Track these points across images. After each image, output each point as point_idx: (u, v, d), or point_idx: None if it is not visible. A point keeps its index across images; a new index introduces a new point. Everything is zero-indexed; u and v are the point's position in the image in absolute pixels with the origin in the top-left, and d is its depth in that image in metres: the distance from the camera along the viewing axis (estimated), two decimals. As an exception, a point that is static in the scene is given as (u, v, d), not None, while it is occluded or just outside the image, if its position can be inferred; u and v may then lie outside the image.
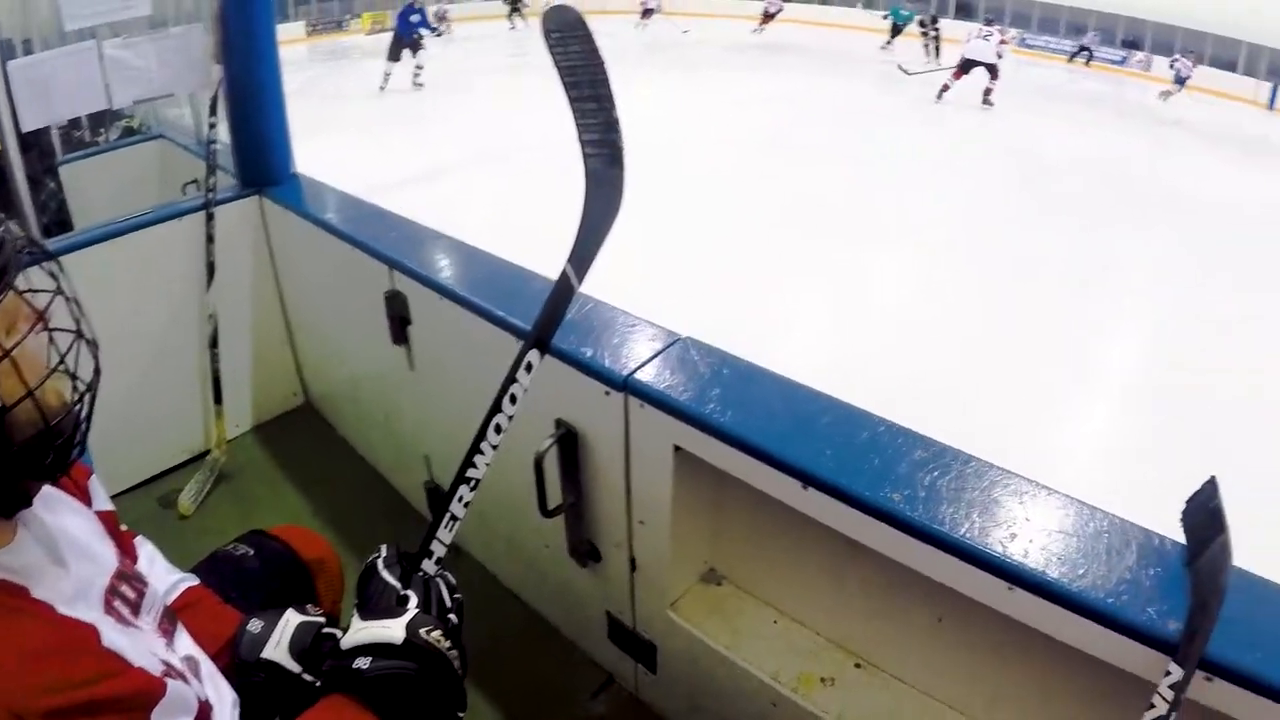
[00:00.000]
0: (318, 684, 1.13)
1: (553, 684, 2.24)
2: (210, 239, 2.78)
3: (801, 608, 1.80)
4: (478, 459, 1.16)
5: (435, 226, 2.44)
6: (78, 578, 0.98)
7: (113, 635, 0.95)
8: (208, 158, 2.81)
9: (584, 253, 1.19)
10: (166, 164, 3.61)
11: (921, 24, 21.61)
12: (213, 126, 2.82)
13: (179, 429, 2.98)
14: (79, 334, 0.90)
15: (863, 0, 28.34)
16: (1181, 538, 1.22)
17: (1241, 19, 22.25)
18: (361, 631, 1.05)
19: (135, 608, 1.08)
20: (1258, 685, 1.02)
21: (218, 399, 2.94)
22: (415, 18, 15.41)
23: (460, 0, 25.91)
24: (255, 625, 1.23)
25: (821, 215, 8.62)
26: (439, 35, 16.01)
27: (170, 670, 1.01)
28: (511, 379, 1.17)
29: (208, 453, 2.98)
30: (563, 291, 1.18)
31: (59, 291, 0.90)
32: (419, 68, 15.60)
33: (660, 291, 5.45)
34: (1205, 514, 1.17)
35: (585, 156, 1.17)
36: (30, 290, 0.88)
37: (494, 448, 1.16)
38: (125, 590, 1.07)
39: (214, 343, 2.88)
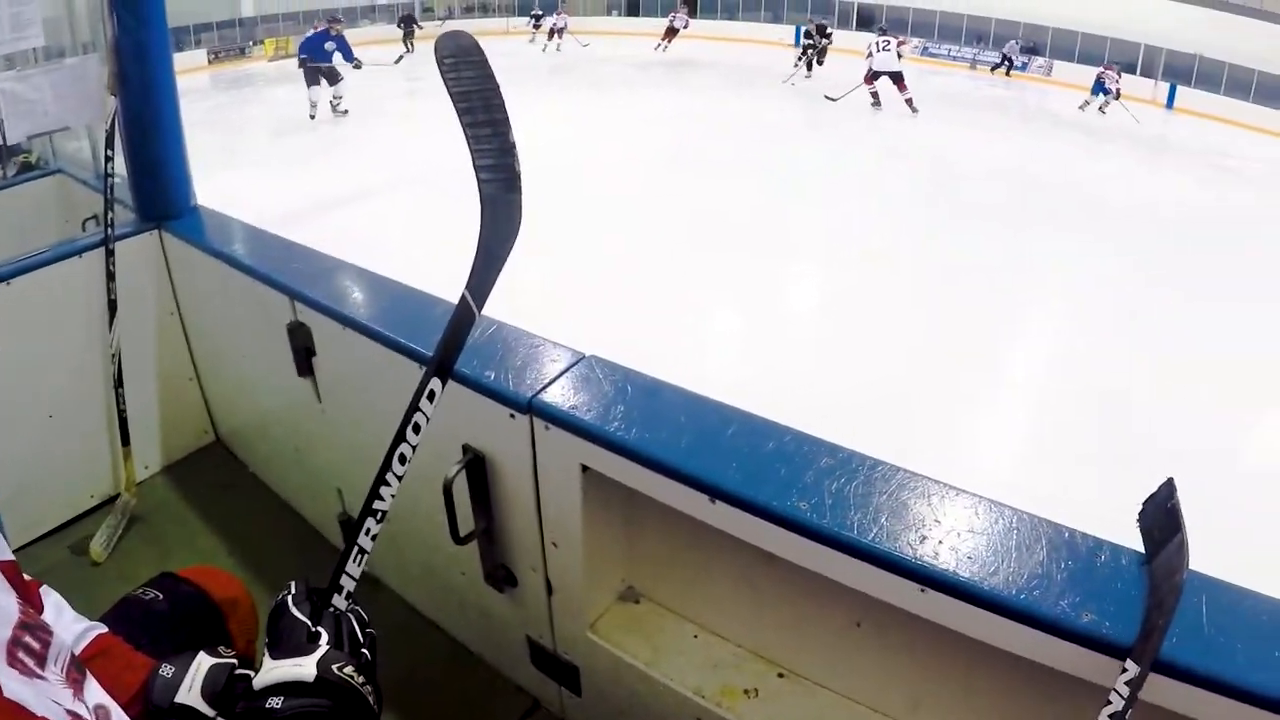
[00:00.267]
0: None
1: (477, 712, 2.17)
2: (111, 276, 2.65)
3: (721, 620, 1.76)
4: (384, 490, 1.13)
5: (357, 252, 2.37)
6: None
7: (15, 687, 0.87)
8: (105, 192, 2.68)
9: (483, 278, 1.17)
10: (66, 199, 3.47)
11: (808, 34, 20.50)
12: (109, 159, 2.69)
13: (87, 473, 2.84)
14: None
15: (768, 15, 28.66)
16: (1099, 531, 1.22)
17: (1138, 22, 22.92)
18: (273, 671, 1.01)
19: (40, 659, 0.98)
20: (1209, 682, 1.00)
21: (125, 440, 2.81)
22: (330, 45, 14.33)
23: (352, 26, 25.87)
24: (167, 670, 1.16)
25: (730, 231, 8.61)
26: (358, 68, 14.76)
27: None
28: (414, 408, 1.15)
29: (118, 496, 2.84)
30: (462, 318, 1.16)
31: None
32: (338, 97, 14.73)
33: (568, 312, 5.42)
34: (1162, 514, 1.15)
35: (481, 182, 1.13)
36: None
37: (399, 478, 1.14)
38: (29, 641, 0.98)
39: (119, 382, 2.74)
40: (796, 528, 1.27)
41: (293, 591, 1.10)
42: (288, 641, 1.04)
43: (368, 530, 1.13)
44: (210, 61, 22.27)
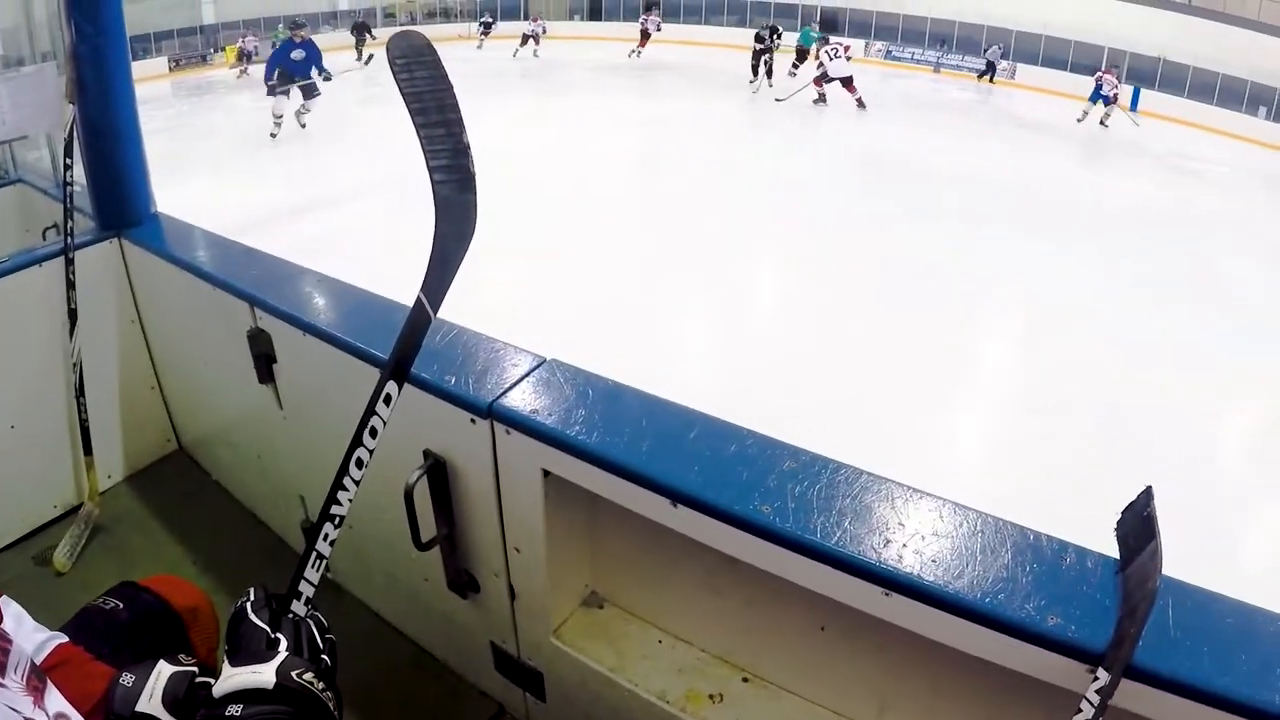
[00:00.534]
0: None
1: (441, 718, 2.12)
2: (71, 284, 2.58)
3: (685, 625, 1.72)
4: (341, 495, 1.11)
5: (319, 258, 2.32)
6: None
7: None
8: (65, 201, 2.61)
9: (438, 281, 1.14)
10: (26, 209, 3.37)
11: (759, 38, 19.52)
12: (69, 168, 2.62)
13: (50, 483, 2.76)
14: None
15: (733, 19, 28.77)
16: (1063, 533, 1.19)
17: (1102, 25, 23.18)
18: (232, 678, 0.99)
19: (0, 667, 0.98)
20: (1176, 686, 0.98)
21: (88, 450, 2.73)
22: (299, 54, 12.73)
23: (314, 33, 25.86)
24: (127, 679, 1.14)
25: (693, 234, 8.58)
26: (327, 79, 13.08)
27: None
28: (371, 412, 1.12)
29: (81, 505, 2.76)
30: (418, 320, 1.14)
31: None
32: (305, 109, 13.32)
33: (531, 316, 5.39)
34: (1138, 522, 1.13)
35: (435, 184, 1.11)
36: None
37: (357, 483, 1.11)
38: None
39: (80, 391, 2.67)
40: (759, 531, 1.23)
41: (252, 598, 1.08)
42: (247, 649, 1.02)
43: (326, 536, 1.11)
44: (171, 69, 22.11)
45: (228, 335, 2.24)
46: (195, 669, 1.16)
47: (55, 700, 1.06)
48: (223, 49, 23.37)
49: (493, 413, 1.54)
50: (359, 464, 1.11)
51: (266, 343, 2.12)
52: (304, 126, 13.53)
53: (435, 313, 1.14)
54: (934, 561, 1.14)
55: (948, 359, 6.08)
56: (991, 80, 23.68)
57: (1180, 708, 0.98)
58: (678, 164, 11.73)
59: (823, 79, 16.81)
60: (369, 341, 1.78)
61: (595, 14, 30.82)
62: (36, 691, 1.03)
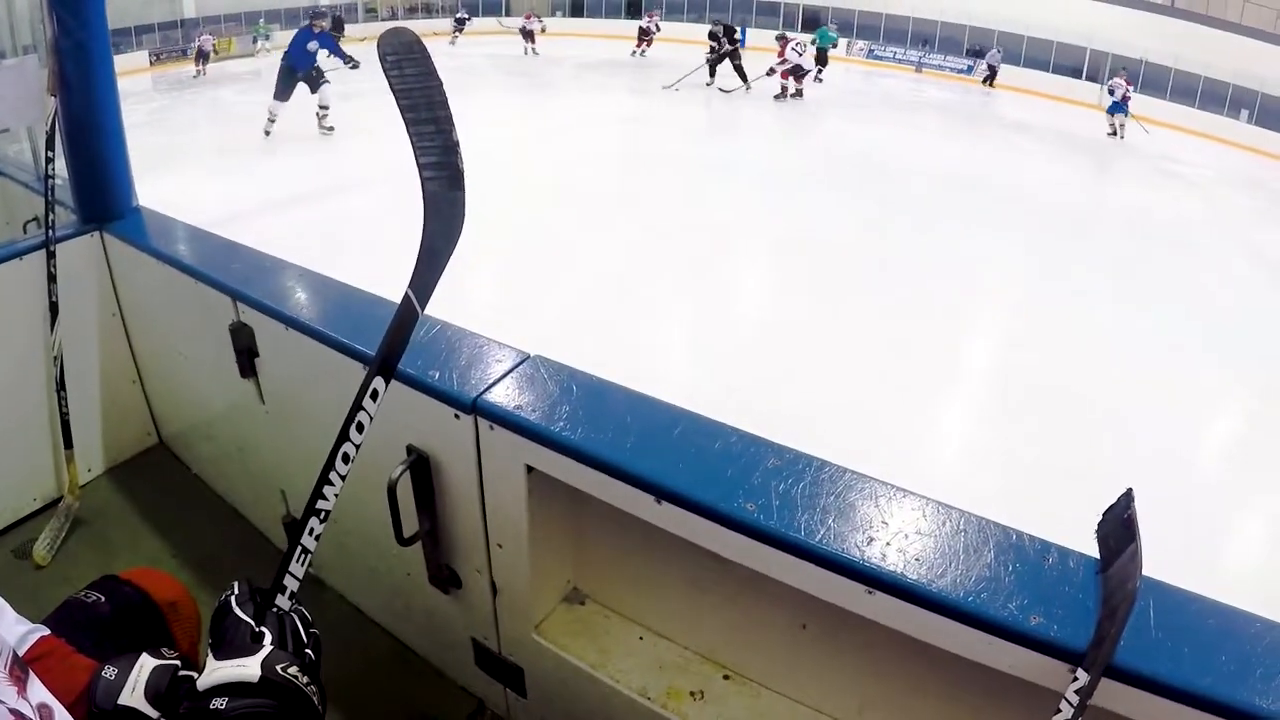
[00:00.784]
0: None
1: (422, 714, 2.10)
2: (52, 278, 2.55)
3: (666, 622, 1.72)
4: (327, 490, 1.11)
5: (301, 253, 2.30)
6: None
7: None
8: (46, 194, 2.58)
9: (426, 277, 1.14)
10: (7, 202, 3.34)
11: (713, 35, 18.54)
12: (50, 161, 2.60)
13: (30, 476, 2.74)
14: None
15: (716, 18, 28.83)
16: (1044, 533, 1.20)
17: (1082, 26, 23.24)
18: (217, 672, 0.99)
19: None
20: (1156, 686, 0.99)
21: (68, 443, 2.70)
22: (314, 45, 11.91)
23: (294, 27, 25.77)
24: (110, 672, 1.13)
25: (672, 230, 8.56)
26: (354, 68, 12.06)
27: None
28: (358, 407, 1.12)
29: (61, 499, 2.74)
30: (406, 317, 1.14)
31: None
32: (324, 108, 12.23)
33: (515, 311, 5.38)
34: (1119, 524, 1.14)
35: (424, 180, 1.11)
36: None
37: (343, 478, 1.12)
38: None
39: (61, 385, 2.64)
40: (743, 529, 1.23)
41: (236, 591, 1.09)
42: (231, 642, 1.03)
43: (311, 530, 1.11)
44: (152, 63, 21.81)
45: (209, 329, 2.23)
46: (178, 662, 1.16)
47: (38, 691, 1.05)
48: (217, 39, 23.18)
49: (477, 408, 1.53)
50: (345, 459, 1.11)
51: (249, 337, 2.11)
52: (331, 130, 12.38)
53: (423, 309, 1.14)
54: (917, 560, 1.14)
55: (929, 358, 6.07)
56: (992, 85, 23.49)
57: (1161, 708, 0.98)
58: (658, 161, 11.66)
59: (797, 74, 17.10)
60: (352, 336, 1.77)
61: (577, 10, 30.73)
62: (19, 682, 1.02)
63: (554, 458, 1.44)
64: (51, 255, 2.54)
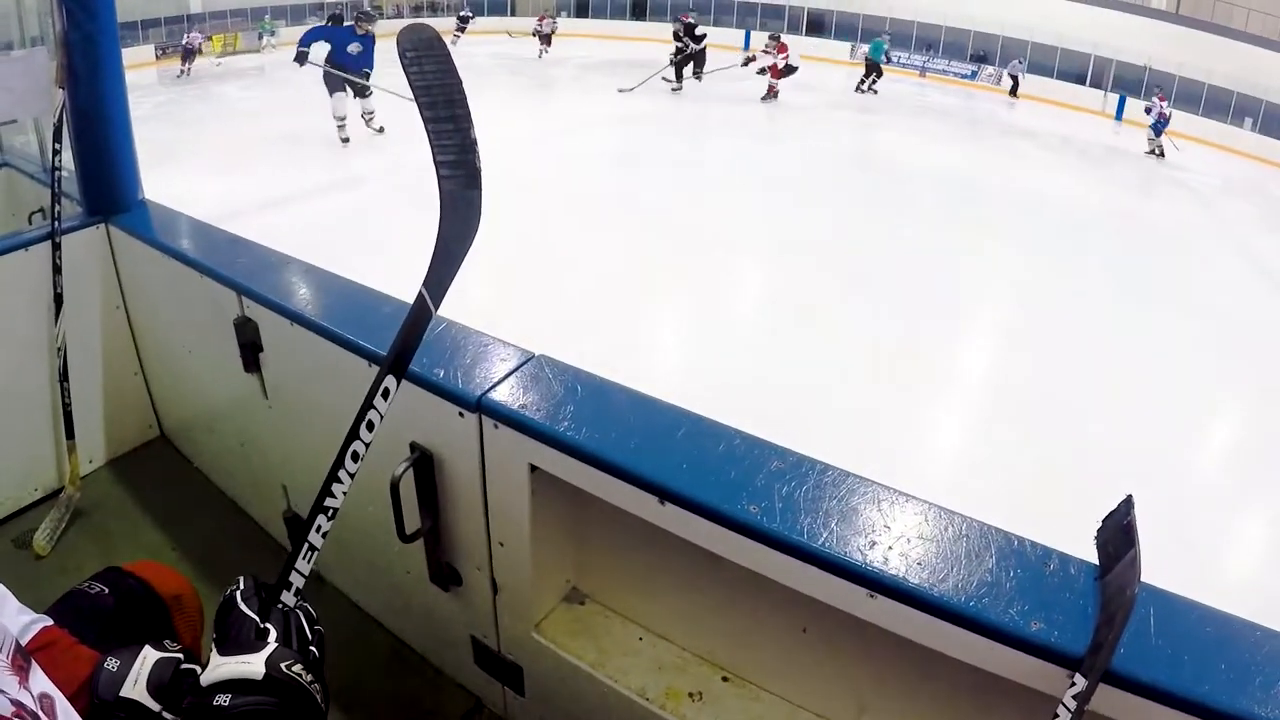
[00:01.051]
0: None
1: (420, 711, 2.10)
2: (57, 269, 2.56)
3: (666, 623, 1.72)
4: (335, 488, 1.11)
5: (305, 248, 2.31)
6: None
7: None
8: (53, 186, 2.59)
9: (440, 276, 1.13)
10: (13, 193, 3.36)
11: (676, 35, 17.73)
12: (57, 153, 2.60)
13: (31, 466, 2.74)
14: None
15: (727, 20, 28.69)
16: (1043, 536, 1.20)
17: (1087, 33, 23.20)
18: (221, 668, 0.98)
19: None
20: (1155, 693, 0.99)
21: (70, 434, 2.71)
22: (355, 48, 11.07)
23: (299, 23, 25.65)
24: (112, 663, 1.14)
25: (675, 232, 8.55)
26: (364, 79, 11.30)
27: (22, 710, 0.93)
28: (369, 405, 1.12)
29: (62, 490, 2.74)
30: (419, 316, 1.13)
31: None
32: (369, 112, 11.52)
33: (519, 311, 5.37)
34: (1118, 530, 1.14)
35: (440, 178, 1.10)
36: None
37: (351, 476, 1.11)
38: None
39: (64, 376, 2.65)
40: (746, 531, 1.23)
41: (241, 587, 1.08)
42: (236, 638, 1.02)
43: (319, 528, 1.10)
44: (158, 57, 21.57)
45: (214, 323, 2.24)
46: (180, 655, 1.16)
47: (40, 681, 1.05)
48: (209, 38, 22.89)
49: (481, 407, 1.54)
50: (354, 457, 1.11)
51: (253, 331, 2.11)
52: (381, 130, 11.71)
53: (436, 308, 1.13)
54: (919, 564, 1.15)
55: (930, 361, 6.08)
56: (1015, 95, 23.14)
57: (1159, 714, 0.99)
58: (659, 161, 11.65)
59: (786, 72, 16.95)
60: (357, 333, 1.77)
61: (582, 11, 30.69)
62: (22, 672, 1.02)
63: (557, 457, 1.45)
64: (57, 247, 2.55)
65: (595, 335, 5.57)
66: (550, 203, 9.08)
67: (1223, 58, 21.67)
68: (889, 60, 21.01)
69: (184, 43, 20.46)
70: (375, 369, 1.11)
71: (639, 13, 29.00)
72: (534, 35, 24.42)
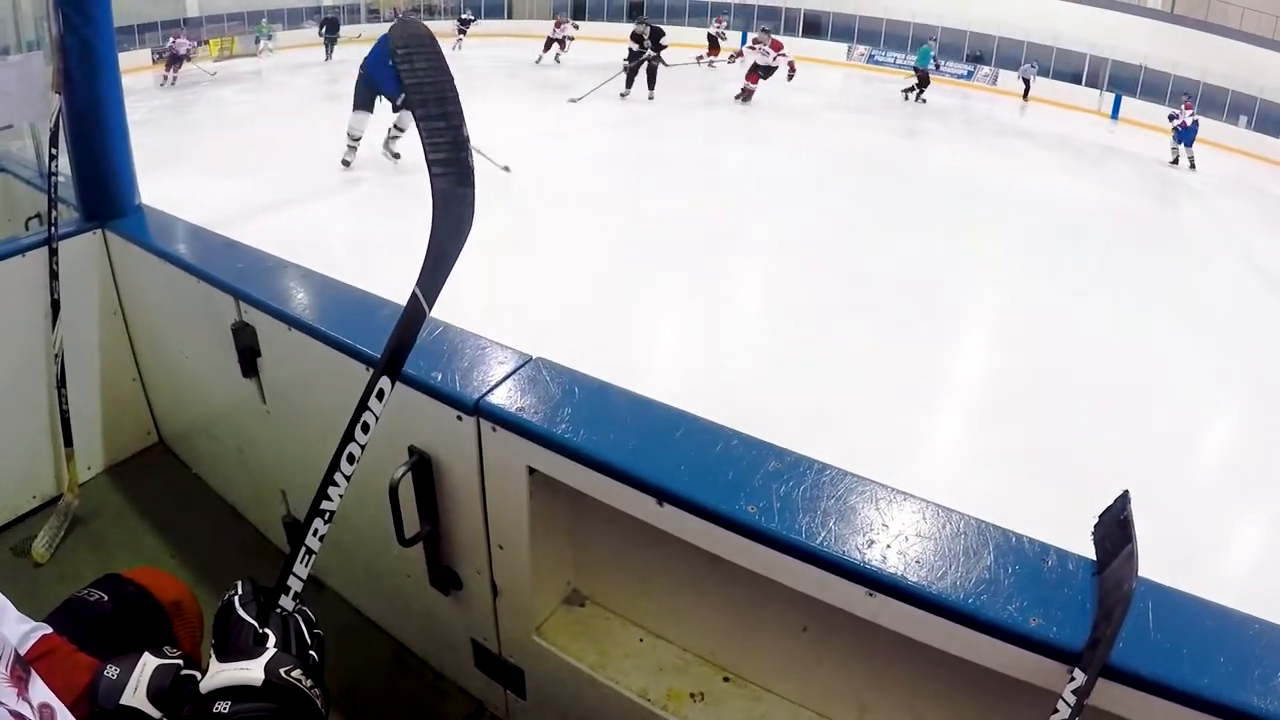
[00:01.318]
0: None
1: (421, 715, 2.11)
2: (54, 275, 2.56)
3: (667, 624, 1.72)
4: (331, 490, 1.10)
5: (304, 254, 2.31)
6: None
7: None
8: (49, 191, 2.58)
9: (434, 276, 1.12)
10: (10, 198, 3.36)
11: (637, 38, 16.21)
12: (54, 158, 2.60)
13: (29, 474, 2.74)
14: None
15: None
16: (1042, 534, 1.21)
17: (1083, 32, 23.22)
18: (220, 674, 0.98)
19: None
20: (1155, 687, 0.99)
21: (68, 441, 2.71)
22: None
23: (295, 27, 25.84)
24: (112, 671, 1.13)
25: (674, 234, 8.50)
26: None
27: None
28: (363, 407, 1.10)
29: (60, 497, 2.74)
30: (413, 316, 1.11)
31: None
32: (399, 129, 9.97)
33: (517, 314, 5.37)
34: (1115, 526, 1.14)
35: (433, 176, 1.09)
36: None
37: (347, 478, 1.10)
38: None
39: (61, 383, 2.64)
40: (744, 531, 1.24)
41: (239, 592, 1.07)
42: (235, 643, 1.02)
43: (315, 531, 1.09)
44: (154, 61, 21.18)
45: (211, 328, 2.24)
46: (180, 661, 1.16)
47: (39, 691, 1.05)
48: (205, 42, 22.74)
49: (479, 410, 1.54)
50: (350, 459, 1.10)
51: (251, 336, 2.12)
52: (398, 157, 10.33)
53: (430, 308, 1.13)
54: (918, 562, 1.15)
55: (927, 359, 6.07)
56: (1026, 98, 23.00)
57: (1159, 708, 0.99)
58: (657, 164, 11.62)
59: (765, 73, 16.27)
60: (355, 337, 1.77)
61: (579, 13, 30.64)
62: (20, 682, 1.02)
63: (556, 459, 1.45)
64: (54, 252, 2.55)
65: (593, 337, 5.56)
66: (550, 206, 9.07)
67: (1218, 56, 21.72)
68: (938, 68, 20.73)
69: (168, 46, 19.67)
70: (370, 372, 1.11)
71: (636, 14, 28.97)
72: (465, 33, 24.13)
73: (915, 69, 20.21)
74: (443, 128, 1.09)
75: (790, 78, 16.03)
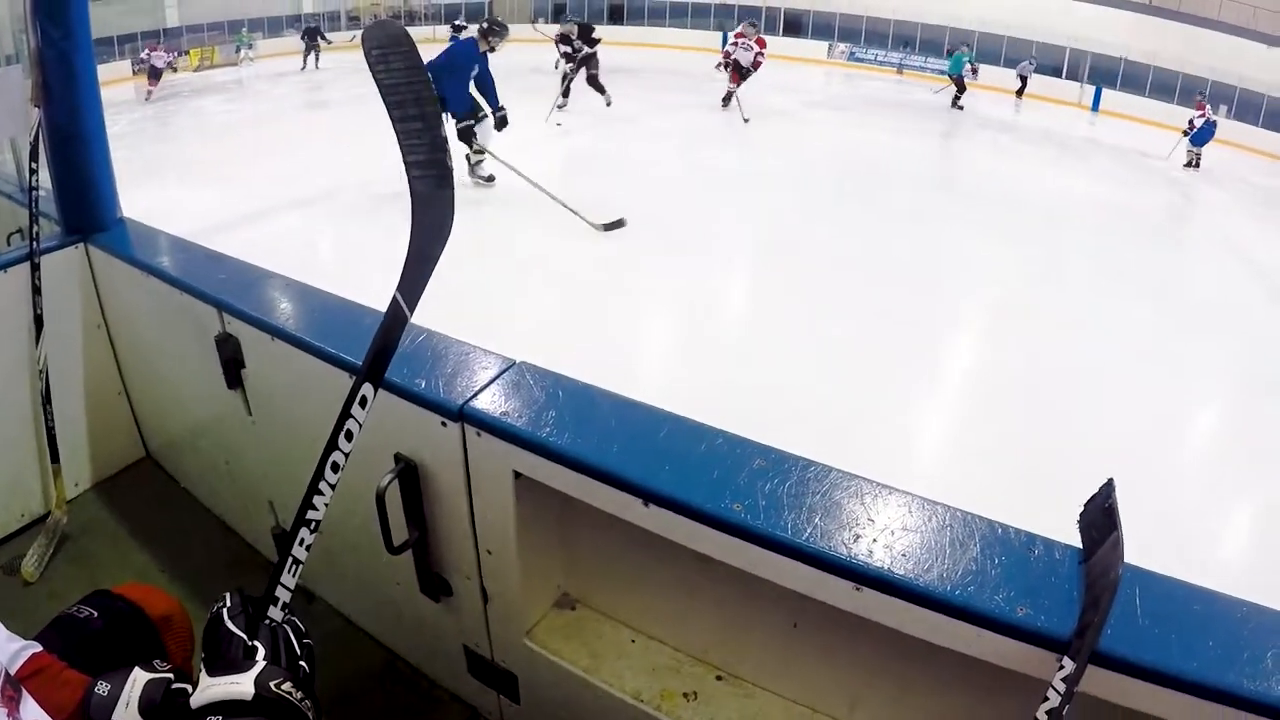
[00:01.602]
0: None
1: (415, 723, 2.10)
2: (37, 290, 2.54)
3: (657, 625, 1.72)
4: (317, 499, 1.10)
5: (289, 263, 2.30)
6: None
7: None
8: (30, 206, 2.57)
9: (414, 280, 1.12)
10: (-10, 214, 3.33)
11: (564, 39, 14.16)
12: (34, 172, 2.58)
13: (17, 492, 2.71)
14: None
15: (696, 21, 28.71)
16: (1031, 527, 1.21)
17: (1062, 25, 23.33)
18: (210, 689, 0.98)
19: None
20: (1144, 672, 1.00)
21: (55, 458, 2.69)
22: (474, 70, 8.31)
23: (276, 35, 25.72)
24: (103, 688, 1.13)
25: (653, 232, 8.42)
26: (501, 125, 8.74)
27: None
28: (346, 414, 1.11)
29: (49, 514, 2.72)
30: (394, 321, 1.11)
31: None
32: (479, 151, 8.63)
33: (498, 318, 5.36)
34: (1100, 514, 1.15)
35: (411, 179, 1.08)
36: None
37: (332, 487, 1.10)
38: None
39: (47, 399, 2.62)
40: (731, 529, 1.23)
41: (228, 604, 1.07)
42: (225, 657, 1.01)
43: (301, 540, 1.09)
44: (134, 73, 20.58)
45: (195, 340, 2.22)
46: (171, 675, 1.15)
47: (31, 709, 1.05)
48: (186, 53, 22.66)
49: (464, 415, 1.53)
50: (334, 468, 1.10)
51: (235, 348, 2.10)
52: (490, 179, 8.83)
53: (411, 312, 1.12)
54: (904, 555, 1.15)
55: (910, 353, 6.04)
56: (1021, 95, 22.61)
57: (1149, 693, 1.00)
58: (637, 167, 11.54)
59: (741, 74, 15.07)
60: (339, 346, 1.77)
61: (559, 15, 30.51)
62: (11, 701, 1.02)
63: (541, 463, 1.44)
64: (36, 268, 2.53)
65: (577, 340, 5.54)
66: (530, 211, 9.02)
67: (1197, 47, 21.82)
68: (975, 73, 20.16)
69: (145, 59, 18.53)
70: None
71: (616, 17, 28.99)
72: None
73: (950, 75, 19.76)
74: (420, 129, 1.08)
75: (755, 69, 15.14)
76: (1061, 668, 1.00)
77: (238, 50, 24.23)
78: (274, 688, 0.98)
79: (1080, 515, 1.17)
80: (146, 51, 18.59)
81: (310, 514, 1.09)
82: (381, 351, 1.12)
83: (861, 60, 26.32)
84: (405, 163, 1.08)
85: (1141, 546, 1.12)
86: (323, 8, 28.12)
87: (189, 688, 1.03)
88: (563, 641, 1.74)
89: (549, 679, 1.75)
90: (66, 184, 2.58)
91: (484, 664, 1.92)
